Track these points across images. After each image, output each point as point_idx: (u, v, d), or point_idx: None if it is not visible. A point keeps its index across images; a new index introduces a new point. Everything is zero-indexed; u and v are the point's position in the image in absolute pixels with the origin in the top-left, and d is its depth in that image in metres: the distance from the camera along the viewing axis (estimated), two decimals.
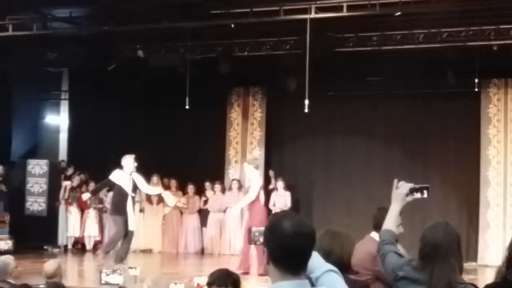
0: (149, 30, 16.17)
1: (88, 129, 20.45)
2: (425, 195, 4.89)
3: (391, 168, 17.71)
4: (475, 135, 17.60)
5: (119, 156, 18.80)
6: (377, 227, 5.82)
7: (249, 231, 3.61)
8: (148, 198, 19.43)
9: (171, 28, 15.95)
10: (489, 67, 16.75)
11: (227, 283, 5.35)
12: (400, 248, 5.00)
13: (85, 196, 15.44)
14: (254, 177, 14.92)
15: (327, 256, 4.58)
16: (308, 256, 3.06)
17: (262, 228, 3.20)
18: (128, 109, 19.95)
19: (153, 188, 16.43)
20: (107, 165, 19.43)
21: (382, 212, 5.44)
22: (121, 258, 14.58)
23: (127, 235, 14.82)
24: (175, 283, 6.28)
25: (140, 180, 14.98)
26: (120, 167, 14.86)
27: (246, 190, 15.70)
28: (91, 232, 19.35)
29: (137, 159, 14.85)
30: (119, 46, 17.67)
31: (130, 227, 14.76)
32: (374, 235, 6.27)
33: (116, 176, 14.85)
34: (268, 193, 18.80)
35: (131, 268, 6.56)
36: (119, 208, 14.78)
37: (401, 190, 4.90)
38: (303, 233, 3.01)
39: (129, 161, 14.77)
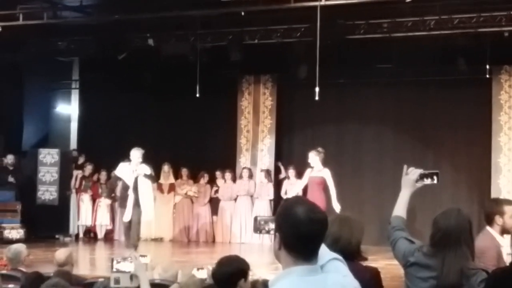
0: (160, 19, 16.17)
1: (98, 118, 20.49)
2: (435, 181, 4.87)
3: (402, 156, 17.64)
4: (486, 122, 17.53)
5: (130, 145, 18.85)
6: (489, 219, 5.87)
7: (254, 219, 3.60)
8: (159, 186, 19.44)
9: (182, 16, 15.95)
10: (500, 54, 16.68)
11: (235, 269, 5.35)
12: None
13: (106, 202, 15.56)
14: (315, 164, 15.07)
15: (336, 243, 4.59)
16: (320, 242, 3.07)
17: (268, 216, 3.20)
18: (138, 97, 19.95)
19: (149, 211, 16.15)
20: (118, 154, 19.49)
21: (493, 204, 5.42)
22: (133, 245, 14.76)
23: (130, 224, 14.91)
24: (198, 269, 6.26)
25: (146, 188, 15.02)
26: (128, 159, 14.96)
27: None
28: (103, 221, 19.41)
29: (144, 155, 14.89)
30: (129, 35, 17.67)
31: (124, 218, 14.79)
32: (490, 229, 6.13)
33: (120, 169, 14.96)
34: (278, 182, 18.86)
35: (142, 256, 6.58)
36: (122, 200, 14.97)
37: (410, 176, 4.89)
38: (316, 219, 3.01)
39: (135, 154, 14.82)
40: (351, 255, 4.70)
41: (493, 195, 17.19)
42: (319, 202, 14.37)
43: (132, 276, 5.88)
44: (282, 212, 3.07)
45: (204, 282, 5.95)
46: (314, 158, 15.16)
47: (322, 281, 3.04)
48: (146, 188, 14.99)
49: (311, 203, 3.06)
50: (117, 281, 5.90)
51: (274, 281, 3.04)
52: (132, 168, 14.76)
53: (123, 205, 14.90)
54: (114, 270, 5.97)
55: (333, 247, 4.63)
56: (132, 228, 14.82)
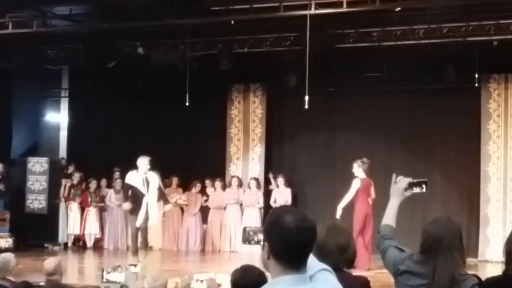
0: (149, 27, 16.17)
1: (88, 127, 20.46)
2: (424, 190, 4.88)
3: (392, 164, 17.67)
4: (475, 130, 17.59)
5: (119, 154, 18.87)
6: None
7: (243, 230, 3.58)
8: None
9: (171, 25, 15.94)
10: (489, 62, 16.75)
11: (257, 278, 5.32)
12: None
13: (126, 205, 15.56)
14: (358, 174, 15.14)
15: (343, 252, 4.61)
16: (309, 250, 3.06)
17: (257, 227, 3.19)
18: (128, 106, 19.94)
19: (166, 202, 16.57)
20: (107, 162, 19.53)
21: None
22: (135, 251, 15.09)
23: (139, 231, 15.11)
24: (197, 280, 6.23)
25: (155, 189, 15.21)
26: (135, 168, 15.06)
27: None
28: (92, 230, 19.36)
29: (151, 162, 15.03)
30: (119, 44, 17.67)
31: (137, 223, 14.96)
32: None
33: (130, 178, 15.05)
34: (268, 192, 18.86)
35: (132, 265, 6.56)
36: (134, 208, 15.03)
37: (399, 185, 4.89)
38: (305, 228, 3.01)
39: (142, 162, 15.01)
40: (349, 264, 4.72)
41: (482, 203, 17.26)
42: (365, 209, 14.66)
43: (122, 287, 5.87)
44: (271, 221, 3.05)
45: None
46: (357, 169, 15.16)
47: None
48: (154, 195, 15.22)
49: (299, 212, 3.05)
50: None
51: None
52: (141, 176, 14.89)
53: (135, 213, 15.02)
54: (104, 280, 5.96)
55: (339, 256, 4.65)
56: (142, 234, 15.07)
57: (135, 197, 15.00)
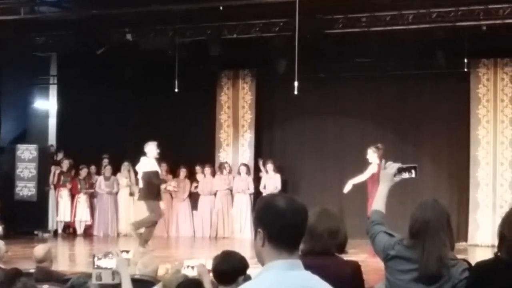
0: (138, 13, 16.10)
1: (77, 114, 20.36)
2: (413, 175, 4.90)
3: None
4: (464, 115, 17.62)
5: (108, 140, 18.84)
6: None
7: None
8: (138, 182, 19.38)
9: (160, 11, 15.88)
10: (478, 47, 16.76)
11: (239, 264, 5.33)
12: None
13: (170, 185, 15.76)
14: (373, 161, 14.89)
15: (334, 236, 4.63)
16: (304, 231, 3.10)
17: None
18: (117, 93, 19.87)
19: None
20: (97, 149, 19.48)
21: None
22: (145, 240, 15.23)
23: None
24: (187, 266, 6.20)
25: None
26: (144, 154, 15.13)
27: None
28: (82, 217, 19.33)
29: (159, 146, 15.16)
30: (108, 30, 17.58)
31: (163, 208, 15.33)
32: None
33: (143, 164, 15.11)
34: (258, 178, 18.88)
35: (124, 251, 6.54)
36: (154, 192, 15.07)
37: (389, 171, 4.90)
38: (298, 208, 3.07)
39: (151, 147, 15.11)
40: (341, 249, 4.74)
41: (472, 188, 17.33)
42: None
43: (114, 273, 5.85)
44: (263, 206, 3.09)
45: (186, 277, 5.92)
46: (372, 155, 15.02)
47: (304, 276, 3.05)
48: None
49: (288, 195, 3.11)
50: (98, 277, 5.88)
51: (257, 275, 3.03)
52: (154, 161, 15.03)
53: (156, 197, 15.15)
54: (96, 266, 5.94)
55: (331, 240, 4.66)
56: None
57: (157, 181, 15.16)
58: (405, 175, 4.91)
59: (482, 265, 4.34)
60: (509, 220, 4.21)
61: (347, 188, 14.70)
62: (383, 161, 4.97)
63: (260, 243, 3.04)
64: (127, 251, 6.56)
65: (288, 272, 3.00)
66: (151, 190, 15.22)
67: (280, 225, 3.02)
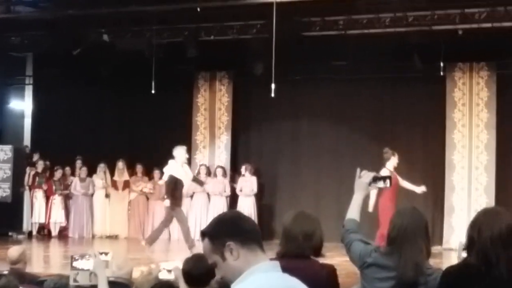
0: (115, 14, 16.05)
1: (53, 114, 20.28)
2: (388, 185, 4.97)
3: (358, 152, 17.77)
4: (440, 119, 17.69)
5: (84, 141, 18.73)
6: None
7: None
8: (114, 183, 19.36)
9: (137, 12, 15.84)
10: (454, 51, 16.84)
11: (205, 268, 5.31)
12: None
13: (167, 202, 15.57)
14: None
15: (309, 239, 4.63)
16: None
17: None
18: (93, 93, 19.79)
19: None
20: (72, 150, 19.39)
21: None
22: (152, 241, 15.50)
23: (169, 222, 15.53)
24: (163, 269, 6.18)
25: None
26: (172, 157, 15.13)
27: None
28: (57, 218, 19.22)
29: (187, 151, 15.19)
30: (84, 30, 17.49)
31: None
32: None
33: (170, 168, 15.07)
34: (234, 181, 18.88)
35: (103, 253, 6.49)
36: (178, 201, 15.05)
37: (363, 179, 4.92)
38: (242, 213, 3.31)
39: (180, 152, 15.08)
40: (317, 252, 4.74)
41: (447, 192, 17.39)
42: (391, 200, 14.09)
43: (91, 274, 5.81)
44: (219, 223, 3.17)
45: (159, 279, 5.89)
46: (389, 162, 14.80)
47: (286, 277, 3.08)
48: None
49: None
50: (75, 279, 5.84)
51: (238, 281, 3.03)
52: (180, 166, 14.98)
53: (179, 205, 15.13)
54: (73, 267, 5.90)
55: (306, 243, 4.66)
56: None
57: (179, 190, 15.08)
58: (380, 184, 4.96)
59: (452, 270, 4.34)
60: (478, 224, 4.21)
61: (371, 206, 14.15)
62: (358, 169, 4.99)
63: (234, 256, 3.05)
64: (106, 253, 6.53)
65: (272, 274, 3.04)
66: (174, 196, 15.20)
67: (246, 228, 3.11)
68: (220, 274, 3.11)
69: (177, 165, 15.11)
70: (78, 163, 19.39)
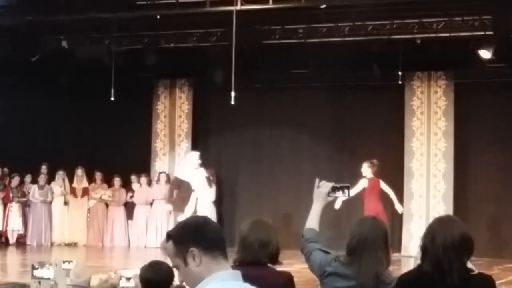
0: (74, 21, 15.94)
1: (11, 121, 20.09)
2: (346, 195, 4.98)
3: (319, 160, 17.86)
4: (399, 127, 17.83)
5: (44, 148, 18.55)
6: None
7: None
8: (73, 191, 19.24)
9: (97, 19, 15.76)
10: (412, 60, 16.98)
11: (167, 274, 5.32)
12: None
13: (168, 207, 15.40)
14: (366, 175, 14.85)
15: (266, 246, 4.64)
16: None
17: None
18: (53, 100, 19.63)
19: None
20: (31, 157, 19.21)
21: None
22: None
23: None
24: (122, 277, 6.15)
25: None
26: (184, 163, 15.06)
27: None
28: (15, 226, 19.01)
29: (201, 157, 15.03)
30: (43, 37, 17.37)
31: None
32: None
33: (181, 173, 14.96)
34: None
35: (67, 261, 6.45)
36: (182, 203, 14.91)
37: (322, 189, 4.94)
38: (209, 219, 3.27)
39: (193, 157, 14.93)
40: (273, 260, 4.75)
41: (406, 199, 17.52)
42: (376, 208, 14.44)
43: (52, 283, 5.79)
44: (185, 228, 3.15)
45: (115, 286, 5.88)
46: (366, 169, 14.96)
47: (245, 287, 3.07)
48: (202, 190, 15.72)
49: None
50: (37, 287, 5.82)
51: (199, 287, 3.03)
52: (192, 171, 14.85)
53: (180, 209, 14.95)
54: (34, 276, 5.88)
55: (262, 251, 4.67)
56: None
57: (185, 193, 14.92)
58: (339, 194, 4.97)
59: (406, 278, 4.38)
60: (432, 232, 4.26)
61: (338, 205, 14.35)
62: (317, 179, 5.01)
63: (196, 263, 3.04)
64: (70, 261, 6.50)
65: (232, 283, 3.03)
66: (182, 200, 15.10)
67: (210, 234, 3.09)
68: (181, 278, 3.12)
69: (188, 169, 15.06)
70: (43, 169, 19.21)
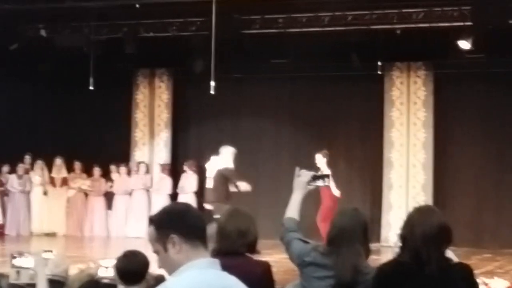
0: (53, 9, 15.86)
1: None
2: (326, 183, 5.02)
3: (298, 150, 17.87)
4: (378, 117, 17.87)
5: (22, 138, 18.42)
6: None
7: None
8: (52, 180, 19.15)
9: (76, 7, 15.68)
10: (392, 51, 17.03)
11: (142, 264, 5.31)
12: None
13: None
14: (322, 166, 14.84)
15: (244, 235, 4.64)
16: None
17: None
18: (31, 89, 19.51)
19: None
20: (9, 146, 19.08)
21: None
22: None
23: None
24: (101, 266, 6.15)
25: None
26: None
27: None
28: None
29: (234, 153, 14.97)
30: (21, 26, 17.25)
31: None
32: None
33: (215, 163, 14.98)
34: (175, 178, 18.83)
35: (47, 251, 6.43)
36: (224, 194, 14.84)
37: (302, 178, 4.94)
38: (193, 207, 3.32)
39: (228, 151, 14.84)
40: (252, 249, 4.75)
41: (385, 189, 17.60)
42: (329, 200, 14.53)
43: (32, 272, 5.78)
44: (168, 213, 3.18)
45: (92, 276, 5.87)
46: (321, 160, 15.00)
47: (223, 275, 3.10)
48: None
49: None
50: (17, 276, 5.80)
51: (177, 274, 3.05)
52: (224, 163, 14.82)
53: (221, 199, 14.89)
54: (13, 265, 5.86)
55: (240, 240, 4.67)
56: None
57: (225, 185, 14.88)
58: (319, 183, 4.99)
59: (385, 268, 4.39)
60: (410, 223, 4.27)
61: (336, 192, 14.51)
62: (297, 168, 5.01)
63: (175, 250, 3.06)
64: (50, 251, 6.49)
65: (209, 271, 3.05)
66: (223, 191, 15.00)
67: (191, 222, 3.12)
68: (160, 264, 3.13)
69: (221, 162, 14.99)
70: (27, 158, 19.10)
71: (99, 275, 6.16)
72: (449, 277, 4.19)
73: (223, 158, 15.00)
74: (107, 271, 5.95)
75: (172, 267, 3.09)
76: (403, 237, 4.27)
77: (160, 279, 5.64)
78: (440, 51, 16.89)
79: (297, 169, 5.00)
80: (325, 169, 14.63)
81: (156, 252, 3.13)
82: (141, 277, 5.23)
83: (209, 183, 15.53)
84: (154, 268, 5.75)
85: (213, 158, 15.43)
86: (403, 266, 4.24)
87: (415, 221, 4.25)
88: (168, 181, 18.81)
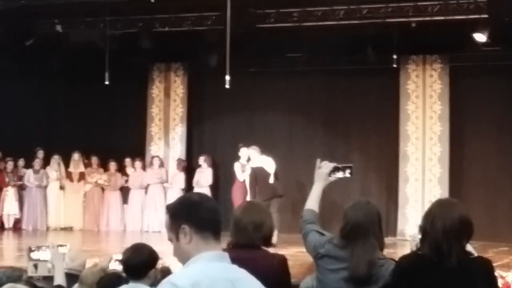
0: (68, 5, 15.88)
1: (5, 106, 20.00)
2: (348, 174, 4.95)
3: (313, 145, 17.86)
4: (394, 111, 17.83)
5: (37, 133, 18.49)
6: None
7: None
8: (69, 175, 19.22)
9: (91, 2, 15.71)
10: (407, 44, 16.97)
11: (148, 257, 5.32)
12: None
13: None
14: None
15: (259, 229, 4.64)
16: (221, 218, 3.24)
17: None
18: (47, 85, 19.60)
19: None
20: (25, 142, 19.19)
21: None
22: None
23: None
24: (115, 260, 6.17)
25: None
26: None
27: None
28: (11, 211, 18.97)
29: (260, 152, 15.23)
30: (37, 21, 17.31)
31: None
32: None
33: (260, 160, 15.20)
34: (190, 173, 18.85)
35: (61, 245, 6.48)
36: (256, 192, 14.99)
37: (323, 170, 4.92)
38: (209, 198, 3.34)
39: (254, 151, 15.09)
40: (267, 241, 4.75)
41: (401, 183, 17.55)
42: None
43: (50, 265, 5.81)
44: (181, 204, 3.22)
45: (104, 270, 5.89)
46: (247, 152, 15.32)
47: (230, 268, 3.10)
48: None
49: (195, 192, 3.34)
50: (34, 269, 5.83)
51: (184, 266, 3.07)
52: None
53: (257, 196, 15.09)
54: (31, 258, 5.90)
55: (256, 233, 4.67)
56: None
57: (259, 183, 15.08)
58: (340, 175, 4.95)
59: (405, 262, 4.38)
60: (431, 216, 4.26)
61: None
62: (318, 160, 4.99)
63: (186, 240, 3.10)
64: (64, 245, 6.52)
65: (216, 264, 3.06)
66: (253, 190, 15.15)
67: (203, 214, 3.14)
68: (173, 252, 3.17)
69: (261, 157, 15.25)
70: (40, 153, 19.19)
71: (110, 269, 6.19)
72: (469, 271, 4.17)
73: (263, 158, 15.22)
74: (118, 263, 5.99)
75: (183, 257, 3.13)
76: (424, 229, 4.26)
77: (166, 272, 5.67)
78: (455, 44, 16.81)
79: (318, 160, 4.99)
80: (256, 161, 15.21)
81: (170, 240, 3.18)
82: (144, 271, 5.23)
83: (271, 179, 15.67)
84: (163, 262, 5.79)
85: (255, 157, 15.59)
86: (422, 259, 4.22)
87: (436, 214, 4.23)
88: (181, 176, 18.81)
